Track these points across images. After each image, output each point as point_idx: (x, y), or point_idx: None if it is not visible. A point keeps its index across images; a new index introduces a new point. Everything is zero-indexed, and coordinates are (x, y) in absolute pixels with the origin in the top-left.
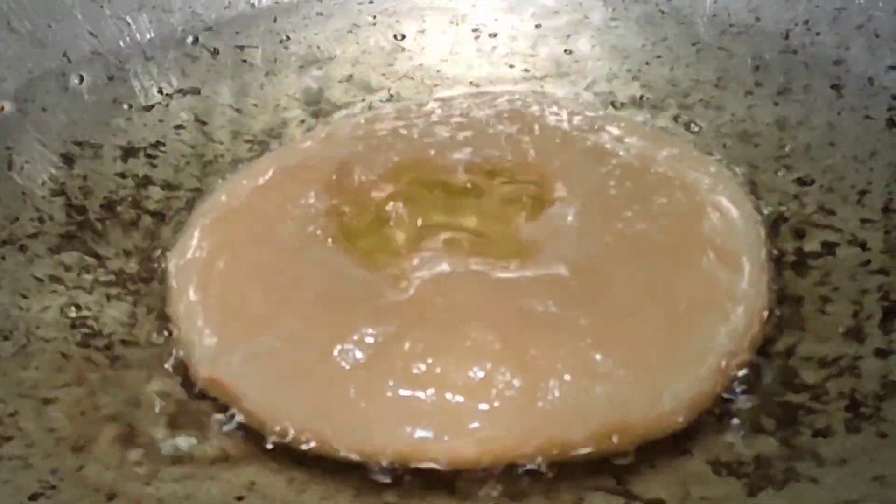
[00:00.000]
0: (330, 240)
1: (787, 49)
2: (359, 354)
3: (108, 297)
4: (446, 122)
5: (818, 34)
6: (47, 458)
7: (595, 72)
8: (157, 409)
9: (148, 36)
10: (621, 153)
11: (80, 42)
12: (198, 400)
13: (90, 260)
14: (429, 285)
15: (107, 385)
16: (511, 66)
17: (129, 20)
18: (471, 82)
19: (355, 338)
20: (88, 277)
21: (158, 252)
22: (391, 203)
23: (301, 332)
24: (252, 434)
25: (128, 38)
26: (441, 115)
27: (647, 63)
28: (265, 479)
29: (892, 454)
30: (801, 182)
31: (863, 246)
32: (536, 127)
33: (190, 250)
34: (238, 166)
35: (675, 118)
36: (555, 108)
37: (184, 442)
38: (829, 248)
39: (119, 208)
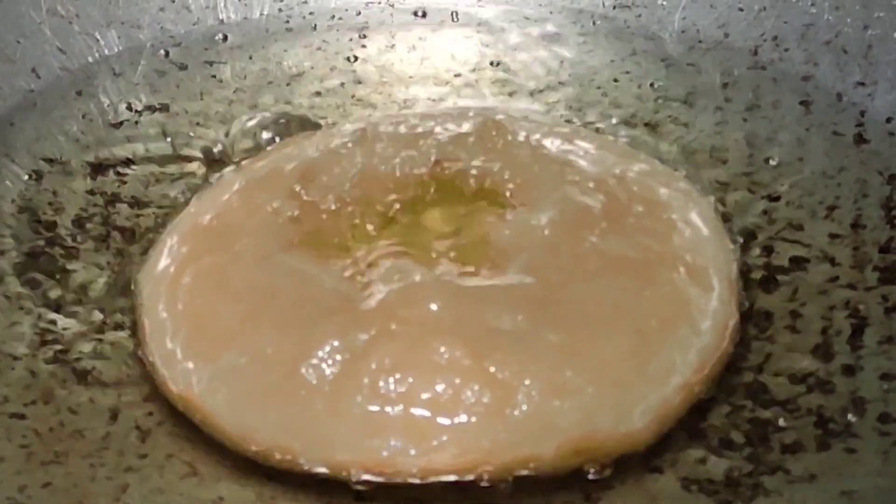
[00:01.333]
0: (296, 251)
1: (756, 65)
2: (326, 369)
3: (77, 314)
4: (414, 134)
5: (787, 50)
6: (17, 474)
7: (564, 88)
8: (126, 425)
9: (116, 52)
10: (591, 168)
11: (48, 58)
12: (167, 416)
13: (59, 277)
14: (396, 296)
15: (75, 401)
16: (479, 82)
17: (98, 36)
18: (438, 98)
19: (322, 352)
20: (57, 294)
21: (127, 269)
22: (358, 212)
23: (268, 347)
24: (221, 449)
25: (96, 54)
26: (409, 128)
27: (615, 79)
28: (234, 494)
29: (861, 470)
30: (770, 198)
31: (832, 261)
32: (506, 140)
33: (158, 267)
34: (207, 183)
35: (645, 134)
36: (524, 123)
37: (153, 458)
38: (797, 263)
39: (88, 225)
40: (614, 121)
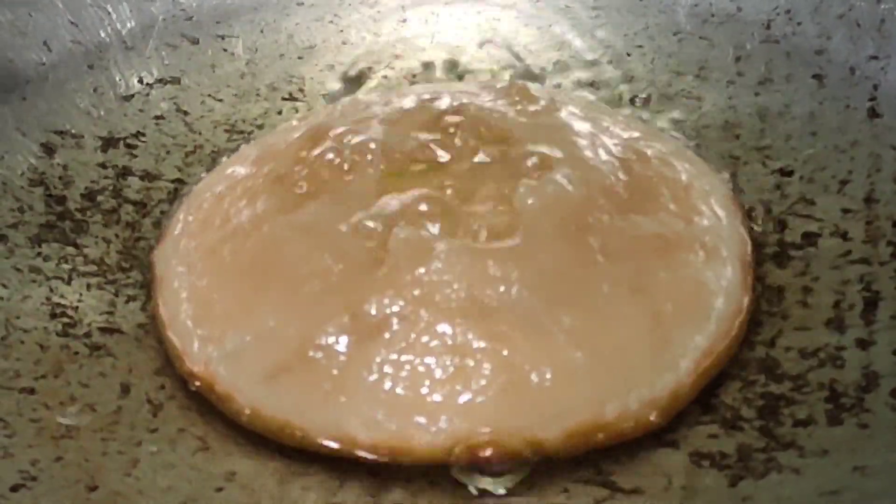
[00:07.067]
0: (309, 220)
1: (769, 38)
2: (336, 346)
3: (89, 287)
4: (431, 105)
5: (799, 24)
6: (28, 448)
7: (576, 61)
8: (137, 399)
9: (128, 25)
10: (613, 144)
11: (60, 31)
12: (179, 390)
13: (70, 250)
14: (409, 269)
15: (87, 375)
16: (491, 56)
17: (110, 9)
18: (451, 72)
19: (333, 329)
20: (68, 267)
21: (139, 242)
22: (374, 178)
23: (279, 323)
24: (233, 424)
25: (108, 28)
26: (426, 99)
27: (627, 53)
28: (246, 469)
29: (873, 445)
30: (782, 172)
31: (844, 236)
32: (525, 114)
33: (170, 242)
34: (219, 156)
35: (657, 108)
36: (548, 93)
37: (164, 432)
38: (810, 238)
39: (99, 198)
40: (626, 95)
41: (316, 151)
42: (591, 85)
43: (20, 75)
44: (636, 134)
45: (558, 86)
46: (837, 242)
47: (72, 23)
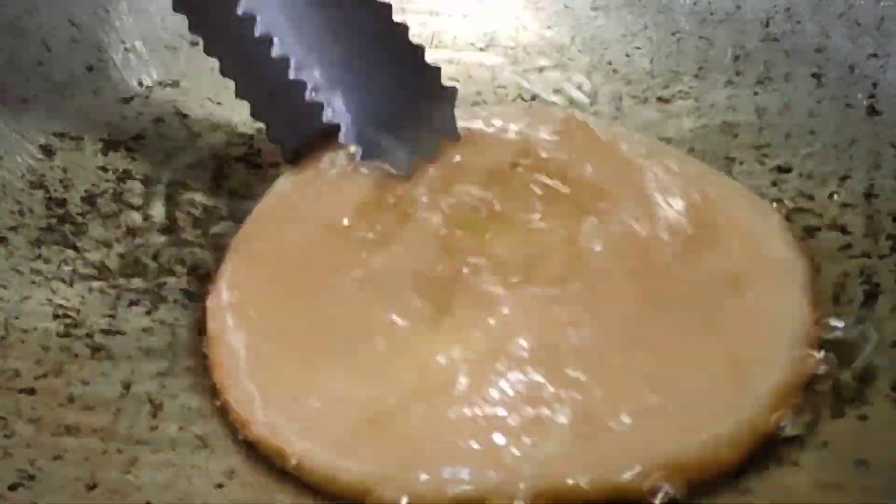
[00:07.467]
0: (369, 275)
1: (768, 37)
2: (408, 406)
3: (90, 290)
4: (490, 148)
5: (798, 22)
6: (27, 448)
7: (575, 63)
8: (137, 399)
9: (128, 27)
10: (673, 183)
11: (60, 32)
12: (179, 390)
13: (70, 253)
14: (476, 324)
15: (87, 375)
16: (491, 58)
17: (109, 10)
18: (451, 77)
19: (402, 389)
20: (69, 270)
21: (140, 247)
22: (436, 225)
23: (348, 387)
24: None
25: (108, 29)
26: (488, 127)
27: (626, 53)
28: (245, 467)
29: (874, 438)
30: (781, 170)
31: (843, 230)
32: (586, 152)
33: (224, 293)
34: (219, 158)
35: (656, 109)
36: (606, 135)
37: (164, 431)
38: (809, 232)
39: (99, 201)
40: (625, 96)
41: (373, 201)
42: (590, 86)
43: (19, 77)
44: (695, 171)
45: (557, 88)
46: (836, 236)
47: (71, 23)
